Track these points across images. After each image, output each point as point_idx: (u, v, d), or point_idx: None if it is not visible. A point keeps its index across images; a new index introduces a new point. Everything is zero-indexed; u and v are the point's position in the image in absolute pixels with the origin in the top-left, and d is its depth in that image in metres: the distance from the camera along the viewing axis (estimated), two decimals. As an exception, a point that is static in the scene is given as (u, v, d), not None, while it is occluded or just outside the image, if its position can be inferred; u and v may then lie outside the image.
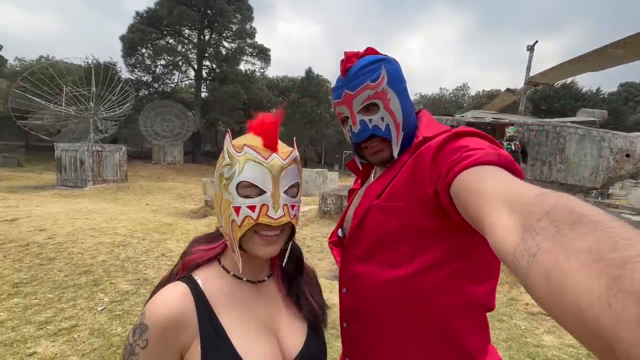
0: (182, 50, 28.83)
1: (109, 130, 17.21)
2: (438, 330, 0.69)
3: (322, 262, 4.58)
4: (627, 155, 6.38)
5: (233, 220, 0.58)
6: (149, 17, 26.91)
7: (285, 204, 0.60)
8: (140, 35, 26.09)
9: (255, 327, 0.62)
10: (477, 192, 0.47)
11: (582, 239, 0.27)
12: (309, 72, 34.25)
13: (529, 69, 9.10)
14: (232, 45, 30.07)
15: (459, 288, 0.67)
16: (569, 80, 31.58)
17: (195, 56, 29.45)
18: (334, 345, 2.46)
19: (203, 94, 30.25)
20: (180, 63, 29.55)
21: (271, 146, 0.60)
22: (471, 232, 0.61)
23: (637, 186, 14.09)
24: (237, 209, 0.58)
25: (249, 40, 30.26)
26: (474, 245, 0.66)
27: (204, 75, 30.25)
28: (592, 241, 0.26)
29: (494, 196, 0.42)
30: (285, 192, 0.60)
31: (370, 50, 0.79)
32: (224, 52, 29.45)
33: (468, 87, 40.98)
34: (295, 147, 0.68)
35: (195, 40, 29.01)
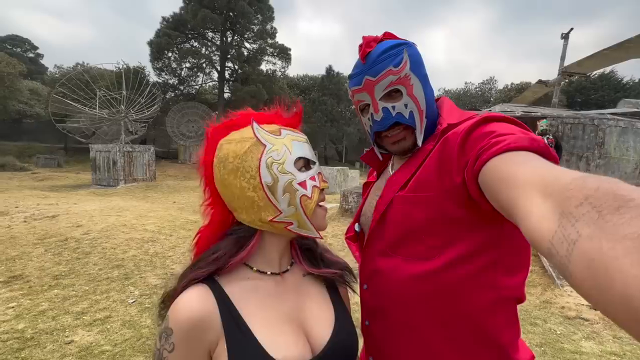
0: (206, 52, 29.65)
1: (138, 131, 18.02)
2: (469, 326, 0.65)
3: (344, 257, 4.55)
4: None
5: (302, 195, 0.60)
6: (174, 21, 27.89)
7: (320, 172, 0.67)
8: (167, 40, 27.09)
9: (279, 320, 0.61)
10: (508, 179, 0.44)
11: (629, 223, 0.25)
12: (329, 70, 34.21)
13: (563, 58, 8.57)
14: (254, 45, 30.57)
15: (491, 281, 0.64)
16: (607, 69, 29.48)
17: (218, 58, 30.19)
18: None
19: (226, 95, 30.98)
20: (204, 65, 30.41)
21: (297, 124, 0.69)
22: (502, 221, 0.59)
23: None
24: (303, 184, 0.61)
25: (269, 41, 30.62)
26: (505, 235, 0.63)
27: (227, 76, 30.96)
28: None
29: (527, 182, 0.40)
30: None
31: (388, 35, 0.76)
32: (245, 53, 29.99)
33: (495, 80, 39.32)
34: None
35: (218, 43, 29.73)
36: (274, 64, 31.95)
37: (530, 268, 0.72)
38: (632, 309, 0.23)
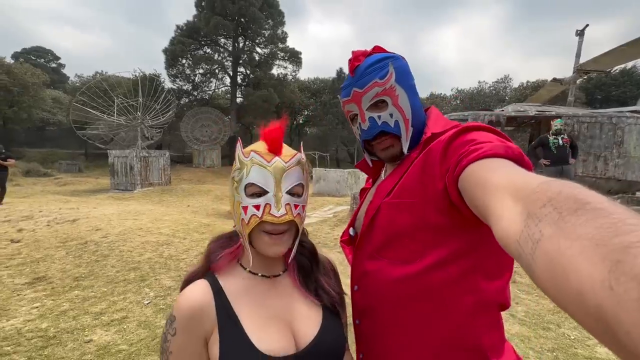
0: (219, 58, 30.28)
1: (154, 137, 18.54)
2: (451, 328, 0.68)
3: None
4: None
5: (242, 219, 0.65)
6: (188, 29, 28.63)
7: (287, 203, 0.65)
8: (181, 47, 27.82)
9: (268, 317, 0.67)
10: (483, 184, 0.47)
11: (584, 225, 0.27)
12: (340, 72, 34.24)
13: (578, 55, 8.33)
14: (265, 50, 31.02)
15: (471, 285, 0.67)
16: (629, 64, 28.41)
17: (230, 63, 30.78)
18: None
19: (238, 99, 31.53)
20: (216, 71, 31.05)
21: (274, 150, 0.66)
22: (481, 226, 0.61)
23: None
24: (245, 208, 0.64)
25: (280, 45, 31.01)
26: (484, 240, 0.65)
27: (239, 81, 31.51)
28: (595, 227, 0.26)
29: (500, 187, 0.43)
30: (288, 192, 0.65)
31: (377, 49, 0.80)
32: (257, 58, 30.47)
33: (510, 79, 38.35)
34: (302, 151, 0.72)
35: (230, 48, 30.32)
36: (285, 67, 32.36)
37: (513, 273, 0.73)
38: (585, 304, 0.24)
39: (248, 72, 31.01)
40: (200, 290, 0.66)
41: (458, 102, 39.09)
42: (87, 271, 3.89)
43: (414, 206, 0.69)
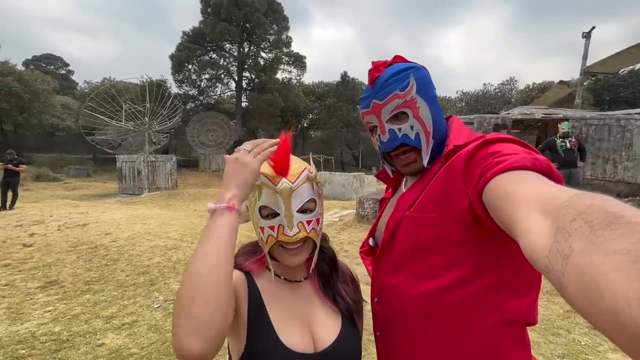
0: (224, 63, 30.64)
1: (161, 142, 18.76)
2: (474, 346, 0.66)
3: (360, 266, 4.56)
4: None
5: (261, 238, 0.70)
6: (194, 35, 29.04)
7: (300, 222, 0.68)
8: (187, 53, 28.21)
9: (290, 317, 0.71)
10: (509, 197, 0.45)
11: (619, 239, 0.26)
12: (344, 76, 34.40)
13: (585, 58, 8.28)
14: (270, 55, 31.31)
15: (495, 302, 0.64)
16: (638, 65, 28.08)
17: (235, 68, 31.11)
18: (372, 351, 2.45)
19: (243, 104, 31.80)
20: (222, 76, 31.40)
21: (280, 172, 0.68)
22: (505, 242, 0.60)
23: None
24: (262, 229, 0.69)
25: (285, 50, 31.28)
26: (509, 256, 0.63)
27: (244, 85, 31.80)
28: (631, 242, 0.25)
29: (527, 200, 0.41)
30: (299, 211, 0.68)
31: (398, 59, 0.78)
32: (262, 63, 30.76)
33: (516, 80, 38.21)
34: (311, 164, 0.75)
35: (236, 54, 30.65)
36: (290, 72, 32.59)
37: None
38: (620, 322, 0.23)
39: (253, 76, 31.30)
40: (237, 275, 0.71)
41: (463, 104, 38.93)
42: (97, 275, 3.95)
43: (436, 221, 0.67)
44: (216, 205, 0.60)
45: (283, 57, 31.34)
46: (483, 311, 0.65)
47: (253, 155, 0.65)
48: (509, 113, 7.43)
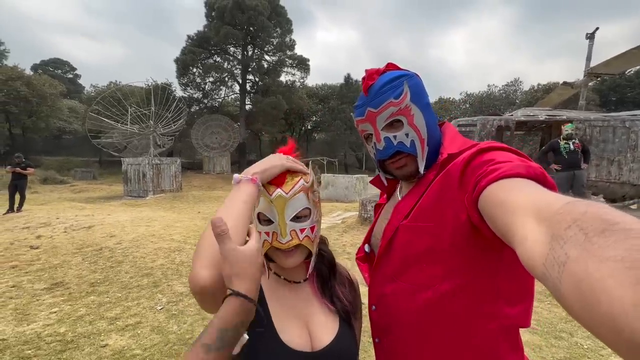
0: (228, 66, 30.87)
1: (166, 144, 18.93)
2: (473, 353, 0.67)
3: (362, 269, 4.56)
4: None
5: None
6: (198, 39, 29.32)
7: (293, 230, 0.71)
8: (192, 56, 28.48)
9: (289, 316, 0.75)
10: (504, 205, 0.46)
11: (613, 246, 0.26)
12: (347, 78, 34.47)
13: (589, 59, 8.23)
14: (273, 58, 31.48)
15: (492, 310, 0.65)
16: (644, 66, 27.74)
17: (239, 71, 31.32)
18: (372, 354, 2.45)
19: (247, 106, 31.99)
20: (226, 79, 31.62)
21: (275, 183, 0.72)
22: (501, 250, 0.62)
23: None
24: (260, 233, 0.72)
25: (288, 52, 31.44)
26: (504, 264, 0.64)
27: (248, 88, 31.99)
28: (625, 249, 0.25)
29: (522, 208, 0.42)
30: (292, 220, 0.71)
31: (391, 66, 0.78)
32: (265, 66, 30.94)
33: (520, 82, 37.86)
34: (310, 170, 0.77)
35: (240, 57, 30.87)
36: (293, 74, 32.73)
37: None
38: (617, 328, 0.23)
39: (257, 79, 31.50)
40: None
41: (467, 106, 38.72)
42: (102, 277, 4.00)
43: (433, 230, 0.68)
44: (242, 176, 0.69)
45: (287, 59, 31.49)
46: (480, 319, 0.66)
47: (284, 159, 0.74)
48: (512, 115, 7.40)
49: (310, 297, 0.79)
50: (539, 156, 6.16)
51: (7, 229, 6.12)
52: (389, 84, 0.73)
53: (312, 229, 0.73)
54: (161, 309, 3.26)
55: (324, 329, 0.74)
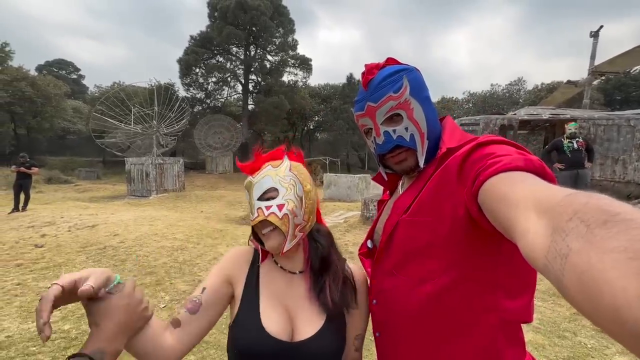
0: (231, 67, 30.95)
1: (169, 144, 19.02)
2: (471, 347, 0.67)
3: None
4: None
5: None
6: (201, 39, 29.42)
7: (259, 208, 0.77)
8: (194, 57, 28.58)
9: (277, 303, 0.78)
10: (505, 199, 0.46)
11: (615, 237, 0.26)
12: (350, 78, 34.41)
13: (593, 57, 8.16)
14: (276, 58, 31.52)
15: (492, 304, 0.65)
16: (649, 64, 27.45)
17: (242, 71, 31.39)
18: (373, 351, 2.45)
19: (250, 106, 32.03)
20: (229, 79, 31.71)
21: (249, 173, 0.83)
22: (501, 243, 0.61)
23: None
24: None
25: (291, 52, 31.46)
26: (504, 258, 0.64)
27: (250, 88, 32.05)
28: (627, 239, 0.25)
29: (522, 201, 0.42)
30: (259, 199, 0.78)
31: (390, 61, 0.78)
32: (268, 66, 30.98)
33: (524, 81, 37.66)
34: (284, 161, 0.83)
35: (242, 57, 30.94)
36: (296, 74, 32.75)
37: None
38: (621, 320, 0.23)
39: (259, 79, 31.53)
40: (246, 250, 0.87)
41: (470, 105, 38.55)
42: (106, 275, 4.03)
43: (432, 224, 0.68)
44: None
45: (289, 59, 31.50)
46: (480, 312, 0.66)
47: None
48: (515, 114, 7.36)
49: (302, 289, 0.81)
50: (542, 155, 6.13)
51: (13, 227, 6.18)
52: (388, 78, 0.74)
53: (279, 207, 0.76)
54: (164, 307, 3.28)
55: (308, 322, 0.76)
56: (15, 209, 8.26)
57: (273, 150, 0.86)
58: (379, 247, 0.80)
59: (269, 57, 31.62)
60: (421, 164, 0.75)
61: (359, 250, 0.96)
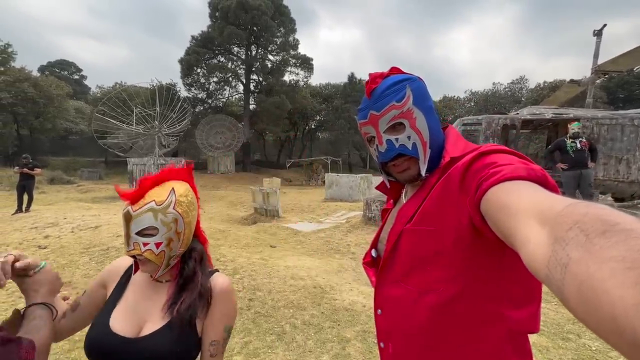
0: (232, 66, 30.95)
1: (171, 144, 19.05)
2: (477, 356, 0.67)
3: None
4: None
5: None
6: (202, 39, 29.44)
7: (135, 242, 0.82)
8: (196, 57, 28.62)
9: (133, 306, 0.87)
10: (507, 208, 0.46)
11: (614, 247, 0.27)
12: (351, 77, 34.39)
13: (596, 56, 8.12)
14: (277, 58, 31.51)
15: (497, 314, 0.65)
16: (653, 62, 27.27)
17: (243, 71, 31.40)
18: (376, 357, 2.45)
19: (251, 106, 32.05)
20: (230, 79, 31.72)
21: (129, 201, 0.84)
22: (504, 253, 0.61)
23: None
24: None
25: (292, 52, 31.45)
26: (509, 267, 0.64)
27: (252, 88, 32.06)
28: (625, 249, 0.26)
29: (524, 210, 0.42)
30: (137, 234, 0.82)
31: (394, 70, 0.80)
32: (269, 65, 30.98)
33: (526, 79, 37.39)
34: (169, 196, 0.85)
35: (243, 57, 30.95)
36: (297, 74, 32.73)
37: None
38: (619, 329, 0.23)
39: (260, 79, 31.53)
40: (127, 260, 0.97)
41: (472, 104, 38.40)
42: (109, 277, 4.04)
43: (435, 234, 0.68)
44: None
45: (290, 59, 31.49)
46: (485, 322, 0.66)
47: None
48: (517, 113, 7.33)
49: (163, 297, 0.89)
50: (545, 155, 6.10)
51: (16, 229, 6.21)
52: (391, 87, 0.74)
53: (157, 244, 0.82)
54: (167, 308, 3.28)
55: (152, 324, 0.84)
56: (19, 210, 8.30)
57: (158, 173, 0.92)
58: (384, 257, 0.80)
59: (270, 57, 31.62)
60: (423, 172, 0.75)
61: (363, 259, 0.96)
